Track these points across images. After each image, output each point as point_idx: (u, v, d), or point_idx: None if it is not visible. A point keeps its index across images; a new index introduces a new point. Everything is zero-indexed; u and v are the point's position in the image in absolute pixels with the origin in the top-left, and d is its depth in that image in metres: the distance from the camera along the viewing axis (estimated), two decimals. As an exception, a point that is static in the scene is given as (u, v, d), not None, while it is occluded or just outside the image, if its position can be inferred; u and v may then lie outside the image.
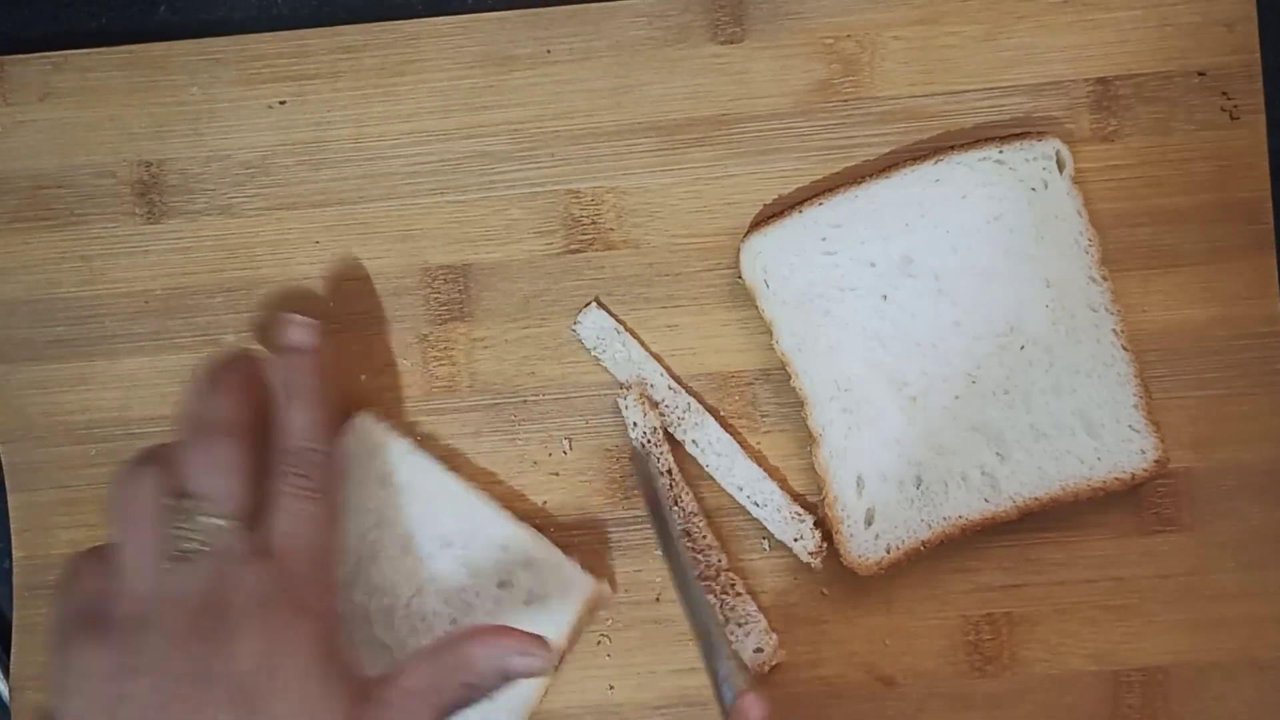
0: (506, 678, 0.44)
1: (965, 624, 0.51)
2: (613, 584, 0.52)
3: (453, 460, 0.52)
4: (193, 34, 0.53)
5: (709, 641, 0.46)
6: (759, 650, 0.50)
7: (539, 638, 0.44)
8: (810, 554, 0.50)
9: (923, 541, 0.50)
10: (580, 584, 0.50)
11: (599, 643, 0.52)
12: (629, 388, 0.51)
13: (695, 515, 0.51)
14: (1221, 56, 0.52)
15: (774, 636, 0.51)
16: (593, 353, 0.52)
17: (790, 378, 0.50)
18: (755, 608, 0.51)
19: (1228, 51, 0.52)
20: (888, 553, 0.50)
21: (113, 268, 0.53)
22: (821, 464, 0.50)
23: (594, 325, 0.52)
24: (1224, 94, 0.52)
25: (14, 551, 0.53)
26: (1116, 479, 0.50)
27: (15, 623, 0.52)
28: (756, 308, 0.51)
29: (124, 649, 0.42)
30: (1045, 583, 0.51)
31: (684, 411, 0.51)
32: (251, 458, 0.45)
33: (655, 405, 0.51)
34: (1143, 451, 0.50)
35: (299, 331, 0.48)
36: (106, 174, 0.53)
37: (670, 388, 0.51)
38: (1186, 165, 0.52)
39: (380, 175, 0.53)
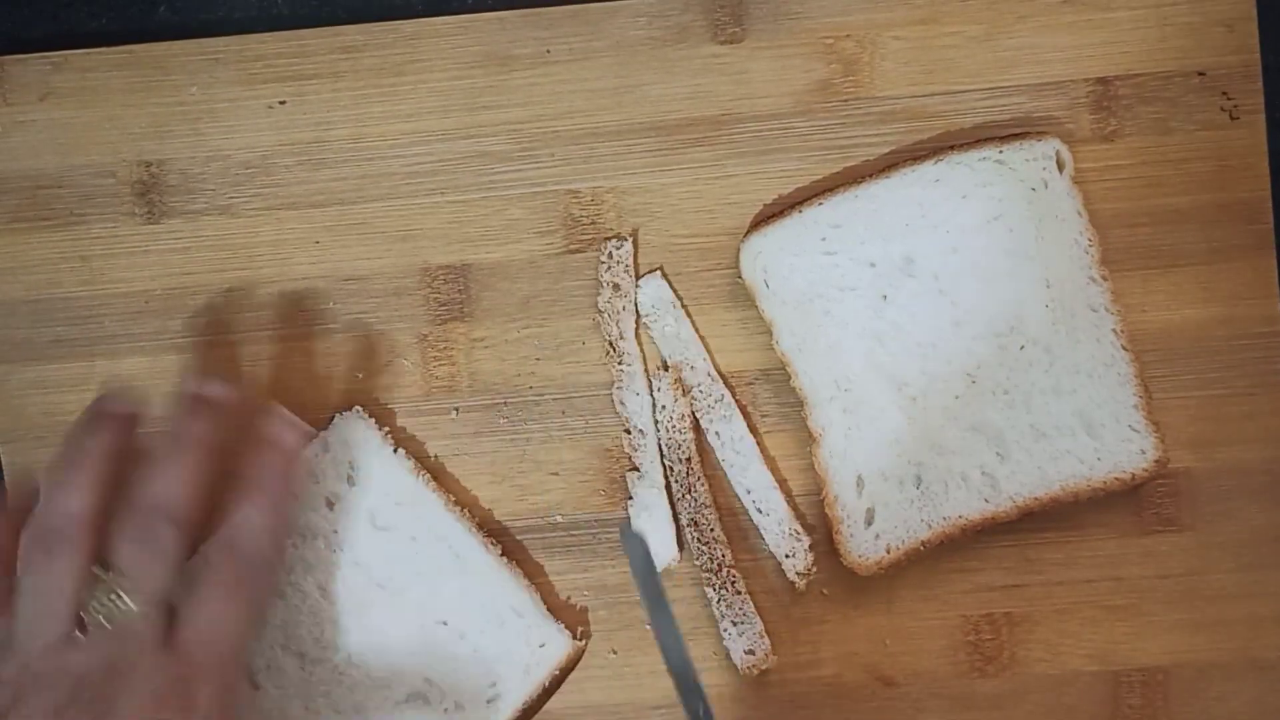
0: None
1: (965, 624, 0.51)
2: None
3: (452, 460, 0.52)
4: (192, 34, 0.53)
5: (690, 686, 0.44)
6: (750, 652, 0.50)
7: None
8: (798, 573, 0.50)
9: (923, 541, 0.50)
10: (556, 642, 0.50)
11: (600, 642, 0.52)
12: (666, 368, 0.51)
13: (707, 507, 0.51)
14: (1221, 56, 0.52)
15: (767, 641, 0.51)
16: (644, 320, 0.52)
17: (790, 378, 0.50)
18: (753, 609, 0.51)
19: (1227, 52, 0.52)
20: (888, 553, 0.50)
21: (112, 268, 0.53)
22: (821, 464, 0.50)
23: (653, 293, 0.51)
24: (1224, 94, 0.52)
25: (14, 552, 0.53)
26: (1116, 479, 0.50)
27: (15, 623, 0.52)
28: (756, 308, 0.51)
29: None
30: (1045, 583, 0.51)
31: (715, 401, 0.51)
32: (188, 545, 0.43)
33: (687, 392, 0.51)
34: (1143, 451, 0.50)
35: (288, 432, 0.46)
36: (106, 174, 0.53)
37: (709, 374, 0.51)
38: (1186, 165, 0.52)
39: (380, 175, 0.53)
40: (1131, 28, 0.52)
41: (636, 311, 0.52)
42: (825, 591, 0.52)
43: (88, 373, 0.53)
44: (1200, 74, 0.52)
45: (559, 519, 0.52)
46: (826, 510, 0.50)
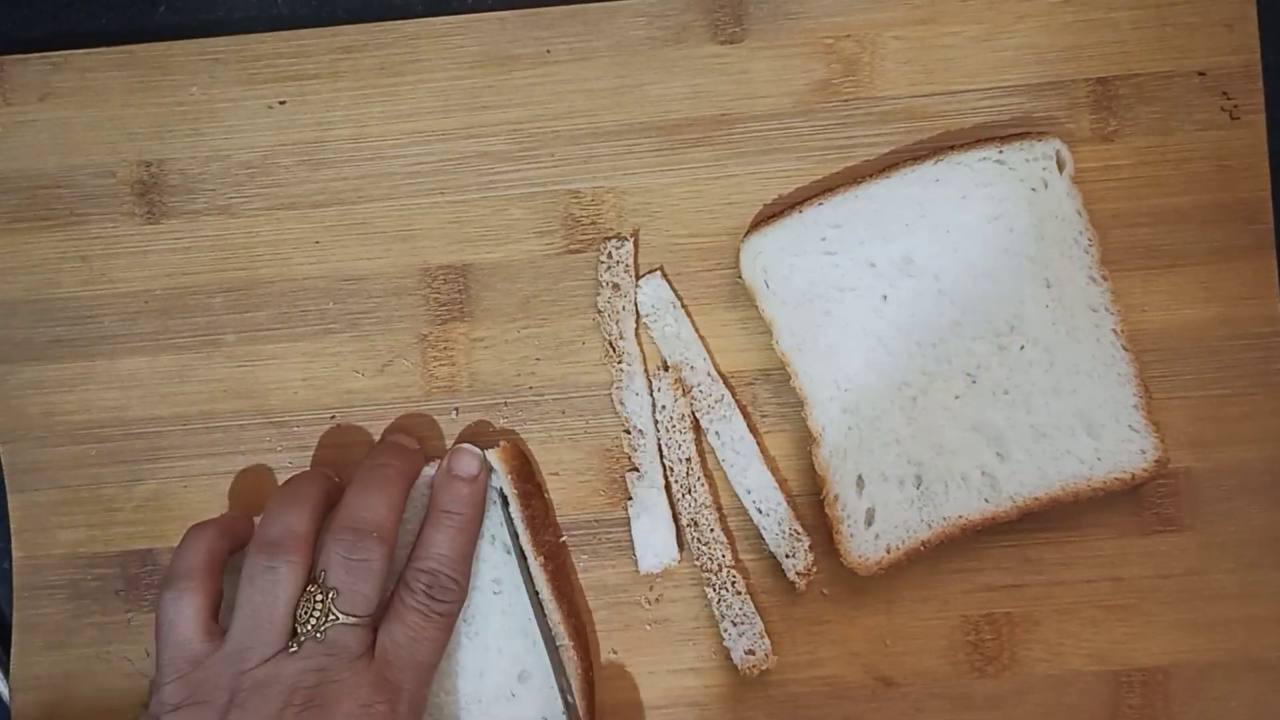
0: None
1: (965, 624, 0.51)
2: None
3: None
4: (193, 34, 0.53)
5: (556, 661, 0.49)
6: (750, 653, 0.50)
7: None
8: (798, 574, 0.50)
9: (923, 541, 0.50)
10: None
11: (600, 641, 0.52)
12: (667, 368, 0.51)
13: (707, 507, 0.51)
14: (1221, 56, 0.52)
15: (767, 641, 0.51)
16: (644, 319, 0.52)
17: (790, 377, 0.50)
18: (753, 609, 0.51)
19: (1228, 51, 0.52)
20: (888, 553, 0.50)
21: (112, 268, 0.53)
22: (822, 464, 0.50)
23: (653, 293, 0.52)
24: (1224, 94, 0.52)
25: (13, 552, 0.53)
26: (1116, 479, 0.50)
27: (15, 622, 0.52)
28: (756, 308, 0.51)
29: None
30: (1045, 583, 0.51)
31: (715, 402, 0.51)
32: (389, 564, 0.47)
33: (687, 392, 0.51)
34: (1143, 452, 0.50)
35: (470, 462, 0.50)
36: (106, 174, 0.53)
37: (709, 374, 0.51)
38: (1186, 165, 0.52)
39: (380, 175, 0.53)
40: (1132, 28, 0.52)
41: (636, 311, 0.52)
42: (825, 591, 0.52)
43: (87, 372, 0.53)
44: (1200, 74, 0.52)
45: (559, 518, 0.52)
46: (826, 510, 0.50)
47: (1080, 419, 0.50)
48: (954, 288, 0.50)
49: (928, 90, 0.52)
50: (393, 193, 0.53)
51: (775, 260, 0.50)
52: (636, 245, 0.52)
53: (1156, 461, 0.50)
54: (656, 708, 0.52)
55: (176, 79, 0.53)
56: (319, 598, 0.46)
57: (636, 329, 0.52)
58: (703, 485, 0.51)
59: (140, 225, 0.53)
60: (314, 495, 0.48)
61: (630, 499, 0.51)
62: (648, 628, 0.52)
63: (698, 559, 0.51)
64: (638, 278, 0.52)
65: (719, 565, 0.51)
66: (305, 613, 0.46)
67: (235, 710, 0.44)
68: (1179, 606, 0.51)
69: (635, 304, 0.52)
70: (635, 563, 0.51)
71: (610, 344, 0.51)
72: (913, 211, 0.50)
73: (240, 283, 0.53)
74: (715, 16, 0.52)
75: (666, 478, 0.51)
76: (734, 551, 0.51)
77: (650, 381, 0.52)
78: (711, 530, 0.51)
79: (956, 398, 0.50)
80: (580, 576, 0.52)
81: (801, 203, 0.51)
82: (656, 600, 0.52)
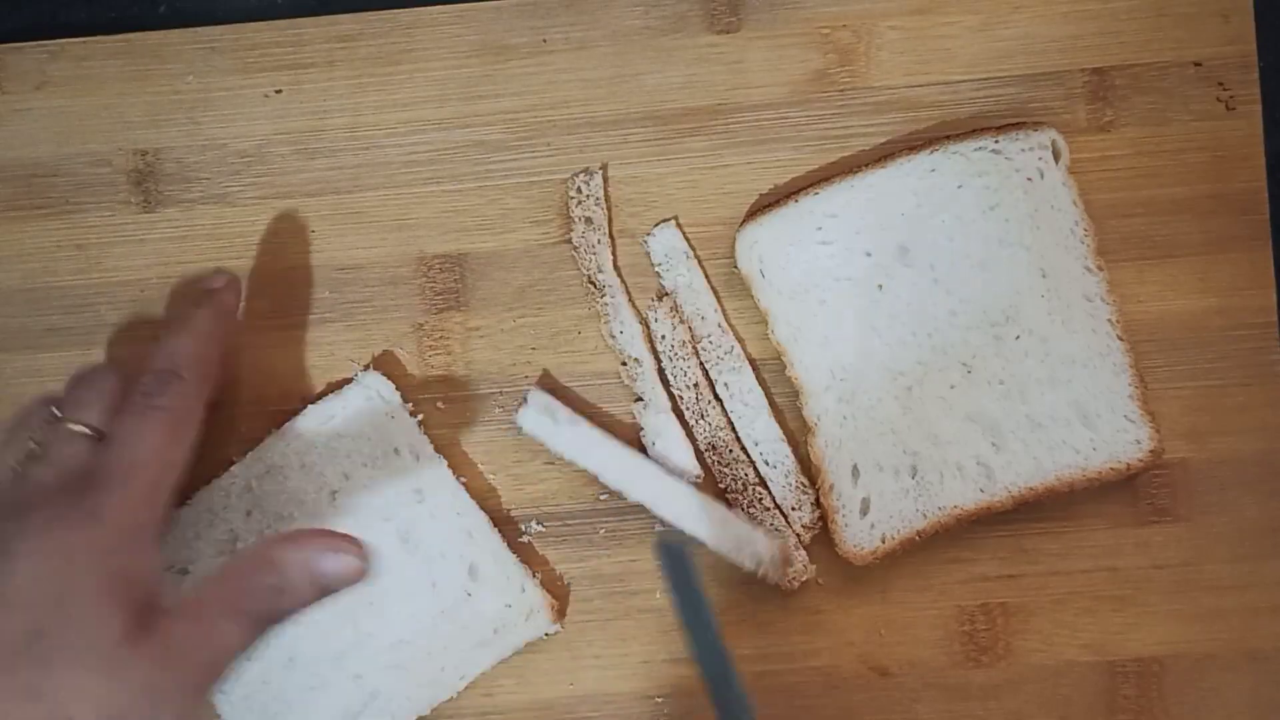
0: (317, 581, 0.43)
1: (960, 614, 0.51)
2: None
3: (447, 451, 0.52)
4: (189, 23, 0.53)
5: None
6: (789, 566, 0.50)
7: (351, 538, 0.44)
8: (804, 526, 0.50)
9: (918, 531, 0.50)
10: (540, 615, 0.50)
11: (596, 631, 0.52)
12: (660, 298, 0.51)
13: (722, 429, 0.51)
14: (1217, 47, 0.52)
15: (804, 552, 0.50)
16: (656, 269, 0.52)
17: (786, 367, 0.50)
18: (784, 523, 0.50)
19: (1224, 42, 0.52)
20: (883, 542, 0.50)
21: (108, 256, 0.53)
22: (817, 453, 0.50)
23: (665, 243, 0.51)
24: (1220, 85, 0.52)
25: (9, 540, 0.53)
26: (1112, 469, 0.50)
27: (10, 611, 0.52)
28: (752, 297, 0.51)
29: None
30: (1040, 573, 0.51)
31: (725, 353, 0.51)
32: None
33: (685, 320, 0.51)
34: (1138, 442, 0.50)
35: (218, 279, 0.50)
36: (102, 162, 0.53)
37: (720, 325, 0.51)
38: (1182, 156, 0.52)
39: (376, 164, 0.53)
40: (1128, 18, 0.52)
41: (611, 240, 0.52)
42: (820, 581, 0.52)
43: (83, 361, 0.52)
44: (1196, 64, 0.52)
45: (554, 509, 0.52)
46: (822, 500, 0.50)
47: (1075, 409, 0.50)
48: (949, 277, 0.50)
49: (924, 80, 0.52)
50: (389, 182, 0.53)
51: (771, 250, 0.51)
52: (605, 178, 0.52)
53: (1152, 452, 0.50)
54: (651, 697, 0.52)
55: (172, 68, 0.53)
56: (56, 418, 0.45)
57: (614, 259, 0.52)
58: (714, 408, 0.51)
59: (136, 214, 0.53)
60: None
61: (641, 430, 0.51)
62: (644, 616, 0.52)
63: (720, 482, 0.51)
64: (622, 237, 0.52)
65: (744, 484, 0.51)
66: (42, 432, 0.45)
67: None
68: (1174, 597, 0.51)
69: (610, 234, 0.52)
70: (630, 552, 0.51)
71: (590, 279, 0.51)
72: (908, 201, 0.51)
73: (236, 271, 0.52)
74: (711, 6, 0.52)
75: (676, 404, 0.51)
76: (755, 469, 0.51)
77: (636, 310, 0.52)
78: (731, 451, 0.51)
79: (952, 387, 0.50)
80: (576, 566, 0.52)
81: (797, 192, 0.51)
82: (654, 592, 0.52)
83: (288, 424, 0.51)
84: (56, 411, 0.45)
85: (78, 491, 0.42)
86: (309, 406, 0.51)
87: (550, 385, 0.52)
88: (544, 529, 0.52)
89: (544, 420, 0.50)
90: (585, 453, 0.50)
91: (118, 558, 0.41)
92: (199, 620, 0.41)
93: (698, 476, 0.51)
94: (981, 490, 0.50)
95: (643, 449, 0.51)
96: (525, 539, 0.52)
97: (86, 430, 0.44)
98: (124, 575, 0.41)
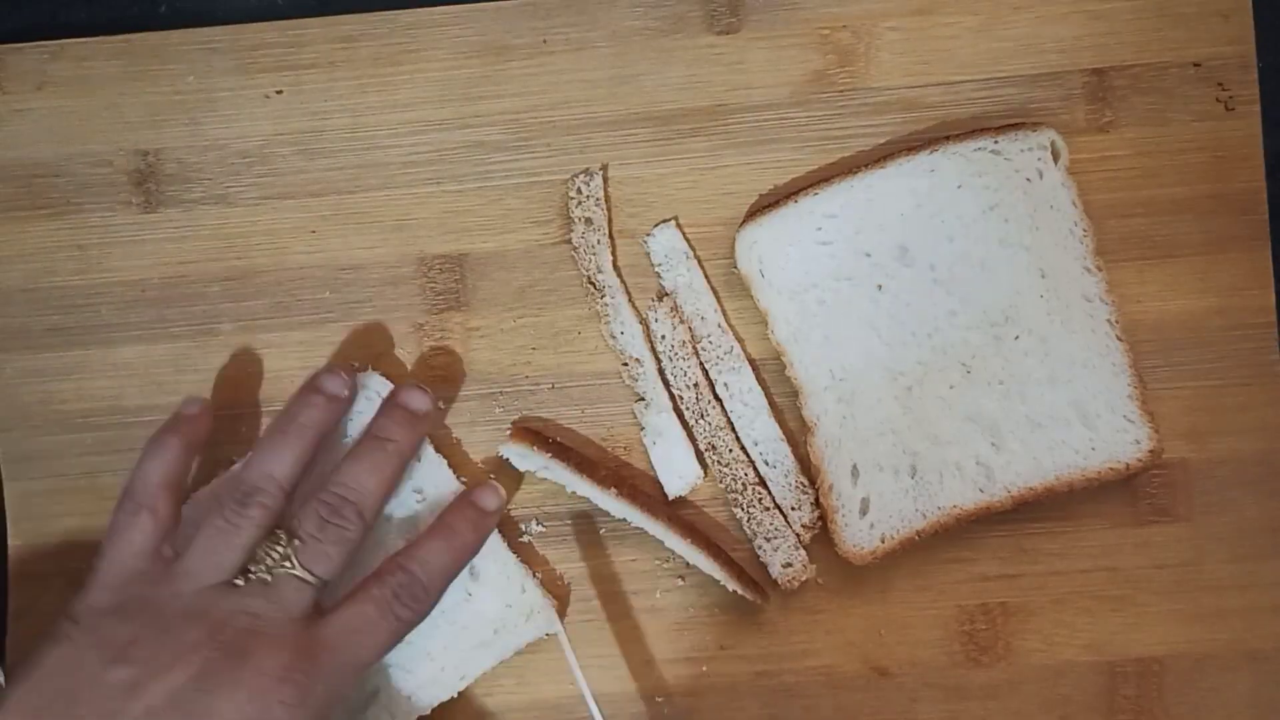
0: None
1: (960, 614, 0.51)
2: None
3: (448, 451, 0.52)
4: (190, 23, 0.53)
5: None
6: (788, 565, 0.50)
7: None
8: (804, 526, 0.50)
9: (918, 531, 0.50)
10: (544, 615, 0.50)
11: (596, 631, 0.52)
12: (660, 298, 0.51)
13: (722, 429, 0.51)
14: (1217, 47, 0.52)
15: (803, 552, 0.50)
16: (656, 269, 0.52)
17: (785, 367, 0.50)
18: (783, 522, 0.51)
19: (1223, 42, 0.52)
20: (883, 542, 0.50)
21: (109, 256, 0.53)
22: (817, 453, 0.50)
23: (665, 243, 0.51)
24: (1219, 85, 0.52)
25: (9, 540, 0.53)
26: (1111, 469, 0.50)
27: (10, 611, 0.52)
28: (752, 298, 0.51)
29: (137, 643, 0.42)
30: (1040, 573, 0.51)
31: (724, 353, 0.51)
32: (361, 543, 0.46)
33: (685, 320, 0.51)
34: (1137, 442, 0.50)
35: (492, 498, 0.48)
36: (103, 163, 0.53)
37: (720, 326, 0.51)
38: (1182, 156, 0.52)
39: (376, 165, 0.53)
40: (1128, 18, 0.52)
41: (611, 240, 0.52)
42: (820, 581, 0.52)
43: (83, 361, 0.53)
44: (1196, 65, 0.52)
45: (554, 509, 0.52)
46: (821, 500, 0.50)
47: (1075, 409, 0.50)
48: (949, 278, 0.50)
49: (923, 81, 0.52)
50: (389, 182, 0.53)
51: (771, 250, 0.51)
52: (606, 179, 0.52)
53: (1151, 452, 0.50)
54: (652, 697, 0.52)
55: (173, 68, 0.53)
56: (282, 542, 0.44)
57: (614, 260, 0.52)
58: (714, 409, 0.51)
59: (137, 214, 0.53)
60: (304, 442, 0.47)
61: (643, 429, 0.51)
62: (644, 616, 0.52)
63: (720, 482, 0.51)
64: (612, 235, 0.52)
65: (743, 484, 0.51)
66: (263, 553, 0.44)
67: (156, 630, 0.43)
68: (1174, 597, 0.51)
69: (610, 235, 0.52)
70: (631, 552, 0.52)
71: (590, 279, 0.51)
72: (908, 202, 0.51)
73: (236, 272, 0.53)
74: (711, 7, 0.52)
75: (677, 405, 0.51)
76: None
77: (636, 310, 0.52)
78: (731, 451, 0.51)
79: (951, 388, 0.50)
80: (576, 566, 0.52)
81: (797, 193, 0.51)
82: (655, 593, 0.52)
83: None
84: (283, 537, 0.45)
85: (297, 659, 0.43)
86: None
87: (532, 424, 0.52)
88: (544, 529, 0.52)
89: (526, 460, 0.50)
90: (571, 483, 0.50)
91: None
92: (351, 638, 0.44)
93: (698, 477, 0.51)
94: (981, 490, 0.50)
95: (632, 458, 0.51)
96: (525, 539, 0.52)
97: (317, 584, 0.45)
98: None
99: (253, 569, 0.44)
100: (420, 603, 0.46)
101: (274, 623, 0.43)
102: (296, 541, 0.45)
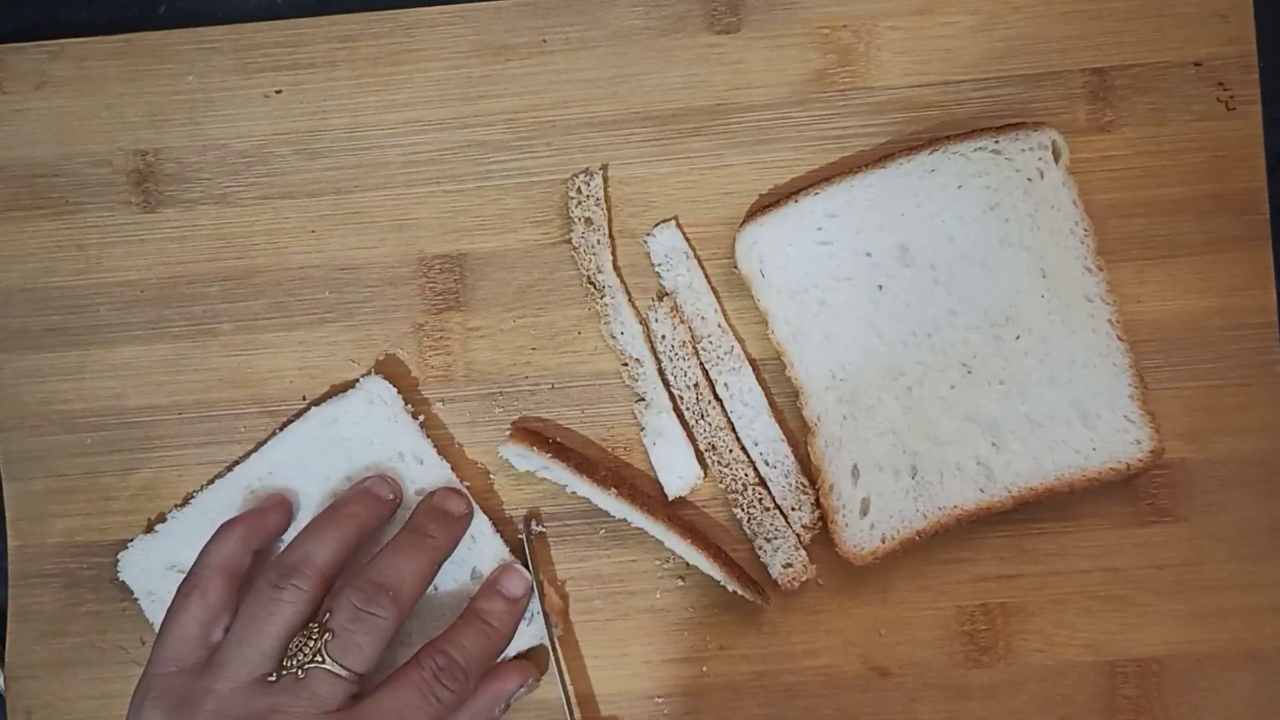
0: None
1: (960, 614, 0.51)
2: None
3: (447, 451, 0.52)
4: (189, 23, 0.53)
5: None
6: (788, 565, 0.50)
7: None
8: (804, 526, 0.50)
9: (918, 531, 0.50)
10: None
11: (596, 631, 0.52)
12: (660, 298, 0.51)
13: (722, 430, 0.51)
14: (1217, 47, 0.52)
15: (803, 552, 0.50)
16: (656, 269, 0.52)
17: (786, 367, 0.50)
18: (784, 523, 0.51)
19: (1223, 42, 0.52)
20: (883, 543, 0.50)
21: (108, 256, 0.53)
22: (817, 453, 0.50)
23: (666, 243, 0.51)
24: (1220, 85, 0.52)
25: (9, 540, 0.53)
26: (1112, 469, 0.50)
27: (10, 611, 0.52)
28: (752, 297, 0.51)
29: None
30: (1040, 573, 0.51)
31: (725, 353, 0.51)
32: (395, 634, 0.46)
33: (685, 320, 0.51)
34: (1138, 442, 0.50)
35: (517, 584, 0.50)
36: (102, 163, 0.53)
37: (720, 326, 0.51)
38: (1182, 156, 0.52)
39: (376, 164, 0.53)
40: (1128, 18, 0.52)
41: (611, 240, 0.52)
42: (821, 582, 0.52)
43: (83, 361, 0.53)
44: (1196, 65, 0.52)
45: (553, 509, 0.52)
46: (822, 500, 0.50)
47: (1075, 409, 0.50)
48: (950, 277, 0.50)
49: (924, 80, 0.52)
50: (389, 182, 0.53)
51: (771, 250, 0.50)
52: (605, 179, 0.52)
53: (1151, 452, 0.50)
54: (652, 697, 0.52)
55: (173, 68, 0.53)
56: (315, 636, 0.45)
57: (614, 260, 0.52)
58: (714, 409, 0.51)
59: (136, 214, 0.53)
60: (348, 531, 0.48)
61: (643, 429, 0.51)
62: (644, 616, 0.52)
63: (720, 482, 0.51)
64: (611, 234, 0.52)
65: (743, 484, 0.51)
66: (296, 646, 0.45)
67: None
68: (1174, 597, 0.51)
69: (610, 235, 0.52)
70: (631, 553, 0.52)
71: (590, 279, 0.51)
72: (908, 201, 0.50)
73: (236, 272, 0.53)
74: (711, 6, 0.52)
75: (677, 405, 0.51)
76: (755, 469, 0.51)
77: (636, 310, 0.52)
78: (731, 451, 0.51)
79: (952, 387, 0.50)
80: (576, 566, 0.52)
81: (797, 193, 0.51)
82: (655, 593, 0.52)
83: (289, 425, 0.51)
84: (315, 630, 0.45)
85: None
86: (312, 409, 0.51)
87: (532, 424, 0.52)
88: (544, 529, 0.52)
89: (526, 460, 0.50)
90: (571, 483, 0.50)
91: None
92: None
93: (698, 477, 0.51)
94: (981, 490, 0.50)
95: (633, 458, 0.51)
96: (524, 539, 0.52)
97: (350, 678, 0.44)
98: None
99: (286, 665, 0.44)
100: (460, 684, 0.46)
101: (306, 718, 0.43)
102: (329, 635, 0.45)
